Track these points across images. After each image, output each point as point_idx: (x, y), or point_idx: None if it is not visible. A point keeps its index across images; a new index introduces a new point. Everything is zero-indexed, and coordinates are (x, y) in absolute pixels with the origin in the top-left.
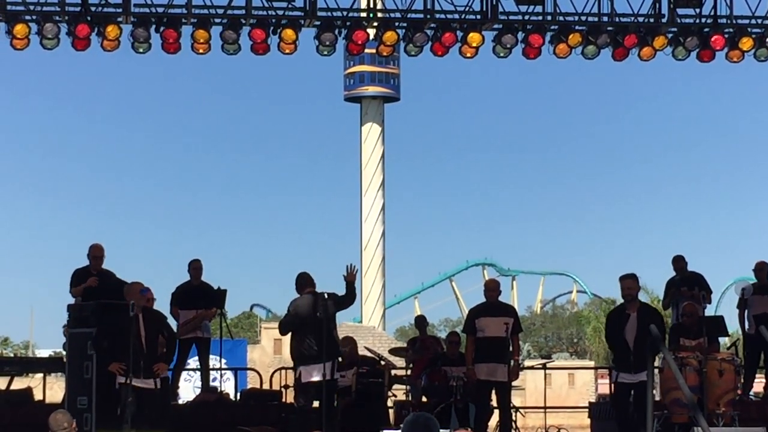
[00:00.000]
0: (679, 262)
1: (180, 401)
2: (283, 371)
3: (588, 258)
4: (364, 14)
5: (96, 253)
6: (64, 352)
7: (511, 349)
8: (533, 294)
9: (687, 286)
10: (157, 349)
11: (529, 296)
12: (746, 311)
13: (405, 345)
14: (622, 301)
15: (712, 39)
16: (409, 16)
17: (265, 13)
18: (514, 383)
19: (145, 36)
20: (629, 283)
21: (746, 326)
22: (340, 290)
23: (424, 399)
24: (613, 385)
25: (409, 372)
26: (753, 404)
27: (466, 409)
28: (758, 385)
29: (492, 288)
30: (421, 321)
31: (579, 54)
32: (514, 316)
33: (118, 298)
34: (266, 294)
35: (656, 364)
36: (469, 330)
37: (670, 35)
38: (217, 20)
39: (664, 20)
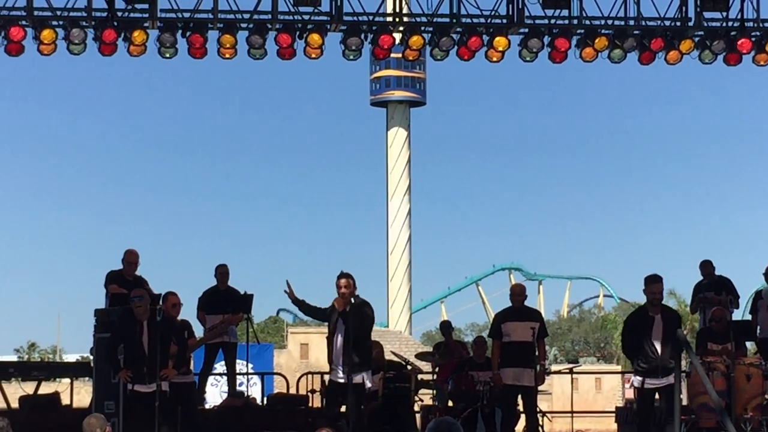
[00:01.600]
0: (706, 266)
1: (207, 406)
2: (310, 376)
3: (615, 262)
4: (390, 18)
5: (131, 259)
6: (91, 357)
7: (537, 353)
8: (560, 298)
9: (714, 290)
10: (163, 355)
11: (556, 300)
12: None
13: (431, 350)
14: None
15: (739, 42)
16: (435, 20)
17: (291, 17)
18: (540, 388)
19: (172, 41)
20: (659, 286)
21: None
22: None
23: (450, 403)
24: (636, 390)
25: (435, 376)
26: None
27: (492, 413)
28: None
29: (518, 293)
30: (446, 326)
31: (605, 58)
32: (540, 320)
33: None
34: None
35: (683, 368)
36: (495, 334)
37: (696, 39)
38: (243, 25)
39: (690, 24)
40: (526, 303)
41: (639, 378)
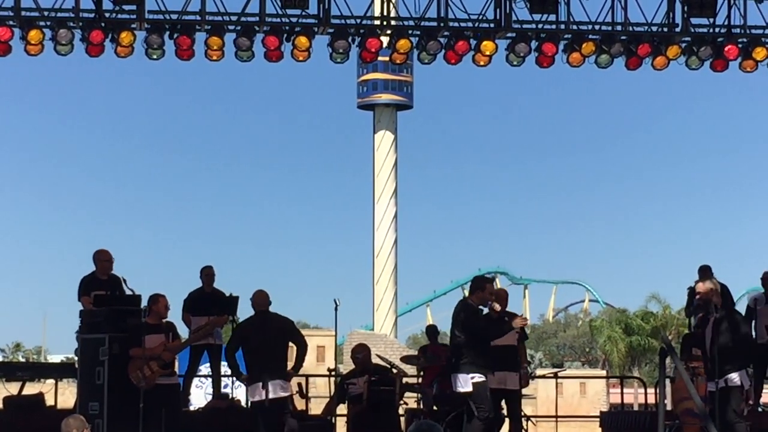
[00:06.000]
0: (705, 272)
1: (191, 408)
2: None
3: (601, 267)
4: (377, 22)
5: (103, 257)
6: (76, 358)
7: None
8: (545, 303)
9: None
10: None
11: (542, 305)
12: (754, 322)
13: (417, 353)
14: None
15: (726, 49)
16: (422, 23)
17: (278, 20)
18: (524, 392)
19: (159, 42)
20: None
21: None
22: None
23: (435, 407)
24: None
25: (420, 380)
26: (764, 415)
27: None
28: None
29: (502, 297)
30: (432, 330)
31: (592, 63)
32: None
33: (129, 305)
34: (278, 302)
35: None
36: None
37: (683, 44)
38: (231, 27)
39: (677, 29)
40: (514, 307)
41: None
